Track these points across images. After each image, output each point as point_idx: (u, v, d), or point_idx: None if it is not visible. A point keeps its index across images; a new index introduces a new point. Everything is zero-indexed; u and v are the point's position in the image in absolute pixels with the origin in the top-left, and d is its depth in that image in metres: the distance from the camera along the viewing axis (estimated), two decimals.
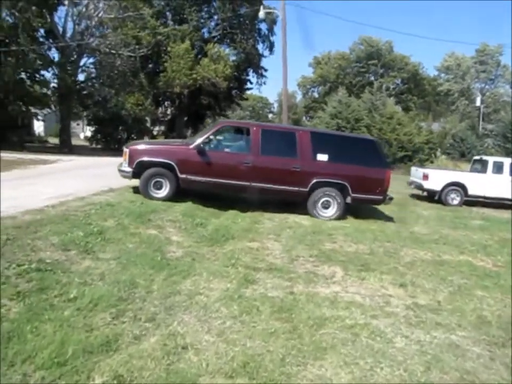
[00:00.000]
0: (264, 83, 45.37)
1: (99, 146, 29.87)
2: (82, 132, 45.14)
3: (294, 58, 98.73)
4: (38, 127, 36.73)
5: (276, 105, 74.73)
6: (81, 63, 24.72)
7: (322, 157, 8.77)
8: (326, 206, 8.83)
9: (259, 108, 78.39)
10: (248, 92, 43.05)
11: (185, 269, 4.92)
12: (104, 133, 29.72)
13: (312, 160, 8.74)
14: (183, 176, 8.42)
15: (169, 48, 28.11)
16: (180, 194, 8.57)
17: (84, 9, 22.34)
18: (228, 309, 3.96)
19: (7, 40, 19.84)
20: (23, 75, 21.66)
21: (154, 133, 37.58)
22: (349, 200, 8.85)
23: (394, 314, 4.18)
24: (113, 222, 6.39)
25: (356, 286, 4.94)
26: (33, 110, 24.92)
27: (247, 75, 36.54)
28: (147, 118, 33.66)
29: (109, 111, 27.77)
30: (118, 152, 19.11)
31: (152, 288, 4.27)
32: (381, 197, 9.03)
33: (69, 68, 22.69)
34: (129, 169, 8.46)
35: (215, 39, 32.84)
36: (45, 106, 23.92)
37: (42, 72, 22.51)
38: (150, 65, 30.96)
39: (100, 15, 23.14)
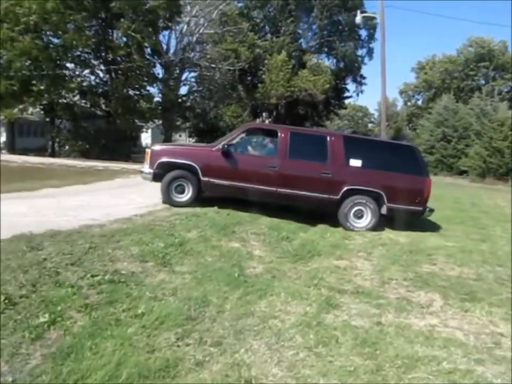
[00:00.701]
0: (361, 92, 43.96)
1: None
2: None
3: (395, 65, 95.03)
4: (145, 138, 39.27)
5: (376, 114, 72.37)
6: (183, 78, 25.89)
7: (356, 163, 8.11)
8: (359, 215, 8.15)
9: (358, 118, 76.45)
10: (347, 101, 42.10)
11: (263, 287, 4.56)
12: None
13: (344, 166, 8.12)
14: (206, 179, 7.95)
15: (266, 60, 28.44)
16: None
17: (185, 27, 23.37)
18: (303, 337, 3.53)
19: (119, 59, 21.45)
20: (131, 91, 23.22)
21: None
22: (384, 210, 8.10)
23: (507, 361, 3.42)
24: (196, 233, 6.28)
25: (458, 319, 4.20)
26: (140, 123, 26.64)
27: (345, 83, 35.70)
28: None
29: (208, 122, 28.76)
30: None
31: (224, 307, 3.98)
32: (420, 208, 8.22)
33: (171, 83, 23.87)
34: (149, 171, 8.05)
35: (313, 48, 32.59)
36: (150, 119, 25.39)
37: (148, 87, 23.93)
38: (249, 78, 31.59)
39: (200, 31, 24.10)
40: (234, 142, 8.19)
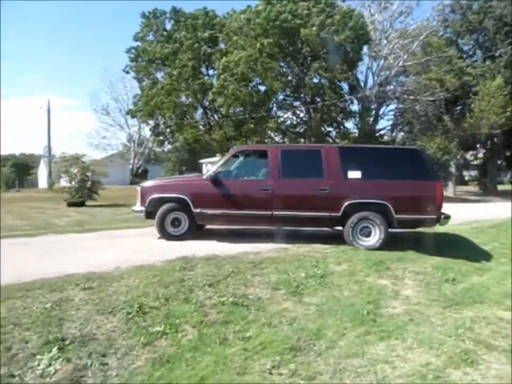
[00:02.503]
0: None
1: None
2: None
3: None
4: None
5: None
6: (380, 112, 25.65)
7: (355, 175, 7.32)
8: (366, 233, 7.35)
9: None
10: None
11: (390, 329, 4.20)
12: None
13: (343, 180, 7.39)
14: (198, 210, 7.57)
15: (477, 87, 26.02)
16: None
17: (383, 61, 23.31)
18: None
19: (316, 99, 22.69)
20: (328, 128, 24.13)
21: (466, 178, 34.95)
22: (393, 223, 7.28)
23: None
24: (345, 267, 6.14)
25: None
26: None
27: None
28: (451, 163, 31.71)
29: None
30: None
31: (336, 343, 3.82)
32: (434, 216, 7.31)
33: (368, 118, 23.94)
34: (141, 208, 7.82)
35: None
36: None
37: (345, 123, 24.49)
38: (457, 107, 29.33)
39: (400, 64, 23.67)
40: (223, 168, 7.87)
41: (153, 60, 34.34)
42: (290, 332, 3.92)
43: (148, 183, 8.44)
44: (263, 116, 23.33)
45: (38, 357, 3.22)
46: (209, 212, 7.58)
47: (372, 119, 24.44)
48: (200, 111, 33.58)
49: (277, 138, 25.32)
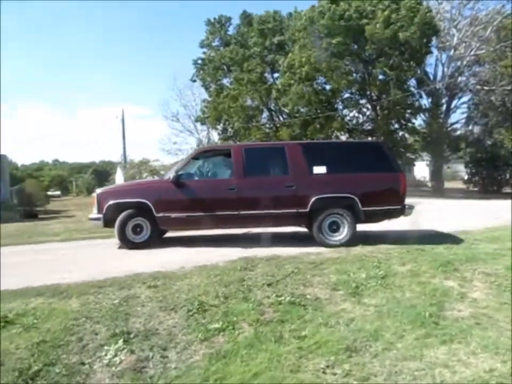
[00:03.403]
0: None
1: (476, 189, 28.19)
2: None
3: None
4: (420, 172, 38.17)
5: None
6: (452, 105, 24.42)
7: (320, 170, 7.35)
8: (334, 228, 7.34)
9: None
10: None
11: (453, 333, 4.03)
12: (481, 175, 27.81)
13: (308, 175, 7.39)
14: (160, 214, 7.22)
15: None
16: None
17: (453, 52, 22.19)
18: None
19: (382, 96, 22.10)
20: (396, 125, 23.38)
21: None
22: (360, 216, 7.31)
23: None
24: (409, 267, 5.97)
25: None
26: (410, 156, 26.26)
27: None
28: None
29: (486, 151, 25.94)
30: (495, 195, 17.65)
31: (394, 345, 3.75)
32: (398, 207, 7.49)
33: (438, 112, 22.91)
34: (98, 216, 7.35)
35: None
36: (416, 152, 24.85)
37: (414, 119, 23.60)
38: None
39: (472, 52, 22.41)
40: (185, 169, 7.59)
41: (219, 66, 35.15)
42: (346, 333, 3.90)
43: (104, 189, 8.19)
44: (329, 115, 23.12)
45: (106, 347, 3.49)
46: (173, 215, 7.28)
47: (442, 113, 23.34)
48: (265, 113, 33.90)
49: (343, 138, 24.97)
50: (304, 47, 23.38)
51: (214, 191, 7.51)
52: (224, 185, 7.48)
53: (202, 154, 8.18)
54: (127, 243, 7.29)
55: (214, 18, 36.83)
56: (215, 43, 36.88)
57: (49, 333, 3.67)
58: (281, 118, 32.18)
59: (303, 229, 8.26)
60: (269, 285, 4.90)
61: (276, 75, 31.93)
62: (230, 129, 37.43)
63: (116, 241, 7.62)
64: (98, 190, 7.85)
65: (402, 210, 7.59)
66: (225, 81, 36.26)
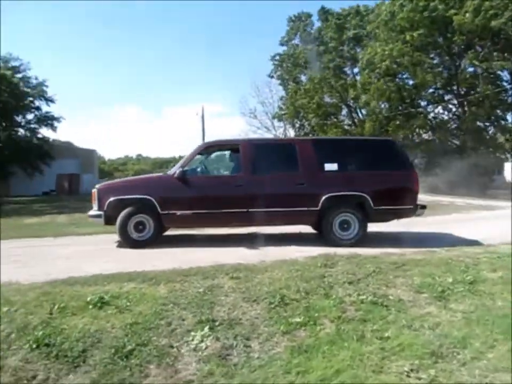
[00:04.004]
0: None
1: None
2: None
3: None
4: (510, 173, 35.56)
5: None
6: None
7: (331, 167, 7.22)
8: (345, 227, 7.18)
9: None
10: None
11: None
12: None
13: (319, 173, 7.22)
14: (165, 212, 6.94)
15: None
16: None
17: None
18: None
19: (469, 90, 20.83)
20: (486, 123, 21.95)
21: None
22: (371, 215, 7.17)
23: None
24: (501, 274, 5.61)
25: None
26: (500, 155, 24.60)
27: None
28: None
29: None
30: None
31: (484, 355, 3.55)
32: (411, 206, 7.32)
33: None
34: (98, 213, 7.07)
35: None
36: (507, 152, 23.16)
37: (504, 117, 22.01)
38: None
39: None
40: (191, 164, 7.38)
41: (298, 63, 35.13)
42: (432, 337, 3.77)
43: (105, 184, 7.80)
44: (411, 112, 22.21)
45: (193, 333, 3.66)
46: (179, 212, 7.02)
47: None
48: (345, 110, 33.40)
49: (425, 136, 23.90)
50: (385, 41, 22.64)
51: (221, 187, 7.30)
52: (232, 181, 7.26)
53: (209, 149, 7.87)
54: (128, 241, 7.04)
55: (294, 16, 36.87)
56: (295, 40, 36.91)
57: (140, 315, 3.91)
58: (360, 115, 31.50)
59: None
60: (350, 283, 4.85)
61: (355, 70, 31.34)
62: (307, 126, 37.41)
63: (200, 231, 7.93)
64: (98, 185, 7.47)
65: (414, 210, 7.41)
66: (303, 78, 36.20)
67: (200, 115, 37.29)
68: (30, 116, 30.81)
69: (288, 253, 6.19)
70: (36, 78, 29.98)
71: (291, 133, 43.09)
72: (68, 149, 34.95)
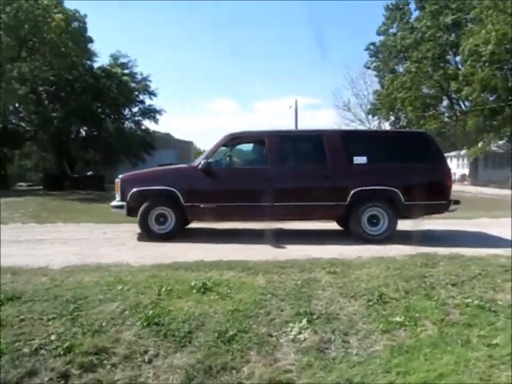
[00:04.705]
0: None
1: None
2: None
3: None
4: None
5: None
6: None
7: (360, 160, 6.94)
8: (374, 222, 6.87)
9: None
10: None
11: None
12: None
13: (348, 166, 6.98)
14: (189, 204, 6.78)
15: None
16: None
17: None
18: None
19: None
20: None
21: None
22: (402, 210, 6.83)
23: None
24: None
25: None
26: None
27: None
28: None
29: None
30: None
31: None
32: (444, 202, 6.96)
33: None
34: (121, 203, 6.95)
35: None
36: None
37: None
38: None
39: None
40: (216, 156, 7.20)
41: (394, 54, 33.76)
42: None
43: (128, 174, 7.52)
44: None
45: (291, 324, 3.74)
46: (203, 205, 6.82)
47: None
48: (445, 101, 31.50)
49: None
50: (492, 25, 20.83)
51: (246, 180, 7.12)
52: (257, 174, 7.06)
53: (234, 140, 7.54)
54: (149, 233, 6.94)
55: (392, 4, 35.45)
56: (392, 29, 35.48)
57: (241, 303, 4.07)
58: (463, 107, 29.53)
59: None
60: (453, 285, 4.62)
61: (457, 59, 29.39)
62: (403, 119, 35.95)
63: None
64: (122, 175, 7.35)
65: (447, 205, 7.08)
66: (400, 68, 34.72)
67: (293, 108, 37.41)
68: (135, 109, 33.05)
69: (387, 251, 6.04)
70: (141, 74, 32.06)
71: (386, 126, 41.71)
72: (167, 140, 36.97)
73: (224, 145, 7.35)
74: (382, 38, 36.74)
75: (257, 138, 7.61)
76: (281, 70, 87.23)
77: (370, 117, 41.05)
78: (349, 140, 7.30)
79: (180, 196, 6.81)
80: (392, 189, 6.90)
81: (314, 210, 7.07)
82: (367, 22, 77.24)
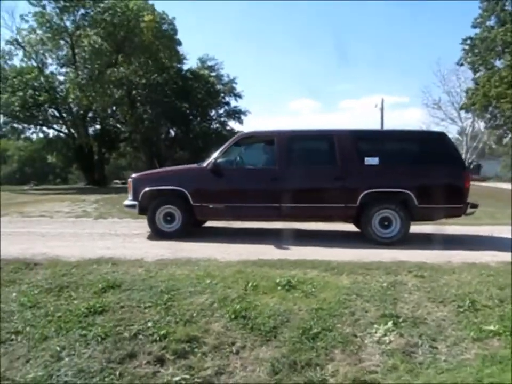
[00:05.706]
0: None
1: None
2: None
3: None
4: None
5: None
6: None
7: (372, 161, 6.69)
8: (386, 224, 6.66)
9: None
10: None
11: None
12: None
13: (359, 167, 6.74)
14: (197, 204, 6.88)
15: None
16: None
17: None
18: None
19: None
20: None
21: None
22: (415, 213, 6.64)
23: None
24: None
25: None
26: None
27: None
28: None
29: None
30: None
31: None
32: (460, 205, 6.68)
33: None
34: (133, 203, 7.13)
35: None
36: None
37: None
38: None
39: None
40: (225, 156, 7.15)
41: (492, 48, 31.47)
42: None
43: (140, 174, 7.71)
44: None
45: (376, 326, 3.72)
46: (211, 205, 6.92)
47: None
48: None
49: None
50: None
51: (255, 180, 7.12)
52: (266, 174, 7.04)
53: (245, 140, 7.55)
54: (157, 232, 7.13)
55: None
56: (490, 22, 33.05)
57: (325, 302, 4.12)
58: None
59: None
60: None
61: None
62: (499, 117, 33.48)
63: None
64: (134, 175, 7.59)
65: (464, 209, 6.81)
66: (498, 63, 32.29)
67: (379, 107, 36.39)
68: (220, 110, 34.13)
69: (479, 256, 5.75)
70: (228, 76, 33.05)
71: (480, 125, 39.04)
72: None
73: (234, 145, 7.37)
74: (477, 30, 34.42)
75: (268, 138, 7.52)
76: (366, 69, 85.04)
77: (463, 115, 38.75)
78: (361, 140, 7.19)
79: (189, 196, 6.95)
80: (405, 191, 6.73)
81: (323, 211, 7.01)
82: (459, 15, 73.00)
